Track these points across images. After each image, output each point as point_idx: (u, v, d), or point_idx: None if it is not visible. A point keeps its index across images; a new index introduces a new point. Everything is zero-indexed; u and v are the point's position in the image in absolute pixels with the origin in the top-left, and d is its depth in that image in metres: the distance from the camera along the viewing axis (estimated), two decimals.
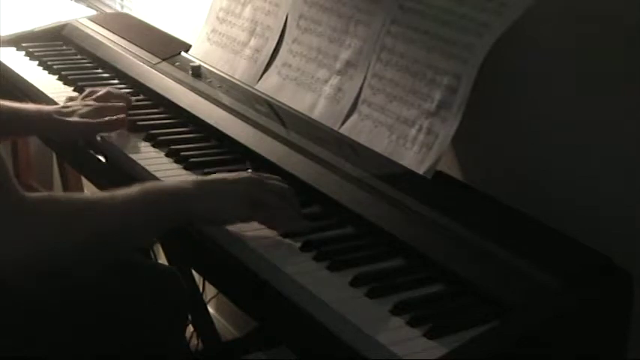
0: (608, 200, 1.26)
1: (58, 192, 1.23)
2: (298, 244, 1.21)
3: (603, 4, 1.25)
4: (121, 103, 1.62)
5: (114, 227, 1.17)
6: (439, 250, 1.17)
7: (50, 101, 1.74)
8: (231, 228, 1.25)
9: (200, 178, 1.27)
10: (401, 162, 1.37)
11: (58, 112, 1.57)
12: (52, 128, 1.57)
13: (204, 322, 2.03)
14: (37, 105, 1.64)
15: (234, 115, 1.58)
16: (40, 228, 1.10)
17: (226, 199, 1.24)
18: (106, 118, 1.55)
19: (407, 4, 1.44)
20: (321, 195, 1.33)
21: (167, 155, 1.50)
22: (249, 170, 1.36)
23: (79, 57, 2.00)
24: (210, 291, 2.12)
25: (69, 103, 1.62)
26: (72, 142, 1.62)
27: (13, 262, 1.09)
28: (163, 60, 1.84)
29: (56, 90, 1.81)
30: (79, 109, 1.57)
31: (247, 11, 1.76)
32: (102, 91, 1.63)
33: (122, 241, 1.21)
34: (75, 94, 1.72)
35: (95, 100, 1.61)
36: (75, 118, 1.55)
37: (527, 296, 1.06)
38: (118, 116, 1.56)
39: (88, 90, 1.65)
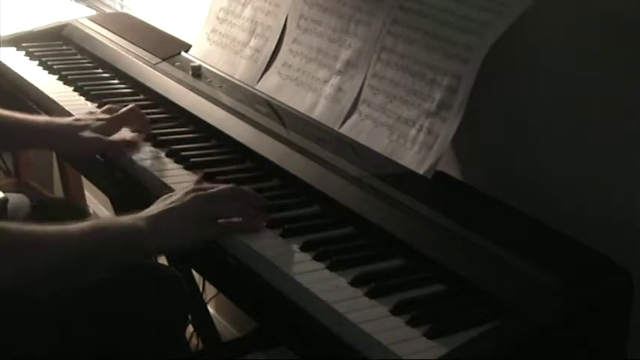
0: (608, 200, 1.26)
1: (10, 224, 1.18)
2: (298, 244, 1.21)
3: (603, 4, 1.25)
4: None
5: (56, 264, 1.14)
6: (439, 250, 1.17)
7: (50, 101, 1.74)
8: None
9: (151, 212, 1.21)
10: (401, 162, 1.37)
11: (70, 126, 1.52)
12: (63, 142, 1.53)
13: (204, 322, 2.03)
14: (47, 117, 1.60)
15: (234, 115, 1.58)
16: None
17: (179, 229, 1.20)
18: (119, 138, 1.52)
19: (407, 4, 1.44)
20: (321, 195, 1.32)
21: (167, 155, 1.50)
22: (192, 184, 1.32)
23: (79, 57, 2.00)
24: (210, 291, 2.12)
25: (82, 117, 1.57)
26: (84, 156, 1.57)
27: None
28: (163, 60, 1.84)
29: (56, 90, 1.80)
30: (92, 124, 1.52)
31: (247, 11, 1.76)
32: (124, 109, 1.56)
33: (72, 272, 1.17)
34: (93, 106, 1.68)
35: (114, 119, 1.54)
36: (87, 133, 1.50)
37: (527, 296, 1.06)
38: (132, 139, 1.53)
39: (108, 106, 1.60)
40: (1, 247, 1.11)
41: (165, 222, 1.21)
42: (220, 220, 1.24)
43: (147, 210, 1.23)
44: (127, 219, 1.21)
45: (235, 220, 1.24)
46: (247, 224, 1.25)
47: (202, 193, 1.24)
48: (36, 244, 1.14)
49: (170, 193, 1.28)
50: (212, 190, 1.25)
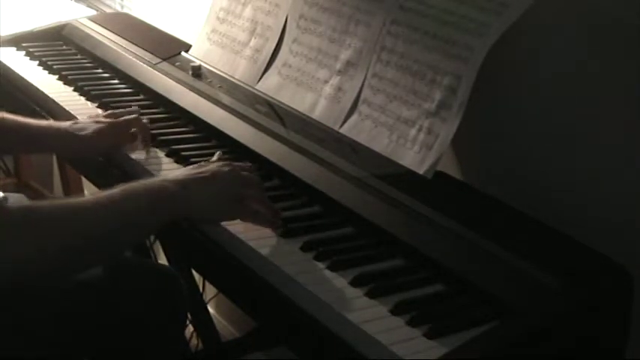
0: (608, 200, 1.26)
1: (40, 201, 1.18)
2: (298, 244, 1.21)
3: (603, 4, 1.25)
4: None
5: (97, 232, 1.14)
6: (439, 250, 1.17)
7: (50, 101, 1.74)
8: (231, 228, 1.25)
9: (181, 175, 1.23)
10: (401, 162, 1.37)
11: (71, 128, 1.52)
12: (64, 144, 1.53)
13: (204, 322, 2.03)
14: (50, 121, 1.60)
15: (234, 115, 1.58)
16: (17, 240, 1.07)
17: (211, 198, 1.23)
18: (119, 138, 1.51)
19: (407, 4, 1.44)
20: (321, 195, 1.33)
21: (167, 155, 1.50)
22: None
23: (79, 57, 2.00)
24: (210, 291, 2.12)
25: (83, 120, 1.57)
26: (86, 158, 1.57)
27: None
28: (163, 60, 1.84)
29: (56, 90, 1.80)
30: (92, 126, 1.52)
31: (247, 11, 1.76)
32: (127, 117, 1.55)
33: (108, 244, 1.17)
34: (99, 110, 1.67)
35: (115, 123, 1.54)
36: (87, 135, 1.50)
37: (527, 296, 1.06)
38: (134, 140, 1.53)
39: (111, 111, 1.59)
40: (38, 221, 1.10)
41: (196, 189, 1.22)
42: (249, 206, 1.25)
43: (176, 174, 1.24)
44: (155, 181, 1.22)
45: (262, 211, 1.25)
46: (269, 221, 1.25)
47: (236, 171, 1.25)
48: (72, 216, 1.13)
49: (201, 163, 1.29)
50: (245, 173, 1.27)
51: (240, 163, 1.32)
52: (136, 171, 1.46)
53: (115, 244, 1.19)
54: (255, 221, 1.25)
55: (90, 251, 1.15)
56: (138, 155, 1.50)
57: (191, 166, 1.29)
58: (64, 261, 1.12)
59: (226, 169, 1.26)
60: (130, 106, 1.64)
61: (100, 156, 1.53)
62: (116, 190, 1.17)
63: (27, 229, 1.08)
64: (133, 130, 1.53)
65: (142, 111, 1.63)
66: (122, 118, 1.55)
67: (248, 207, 1.25)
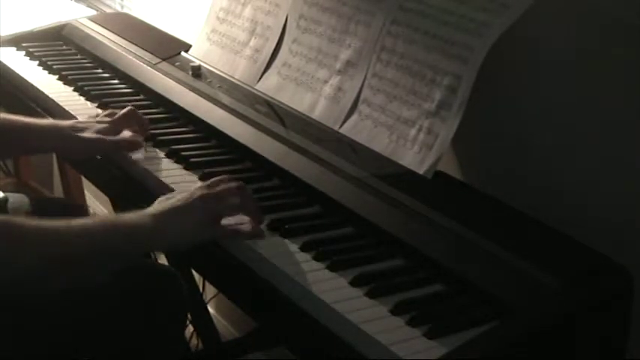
0: (608, 200, 1.26)
1: (17, 218, 1.18)
2: (298, 244, 1.21)
3: (603, 4, 1.25)
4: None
5: (63, 256, 1.13)
6: (439, 250, 1.17)
7: (50, 101, 1.74)
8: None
9: (158, 208, 1.21)
10: (401, 162, 1.37)
11: (72, 128, 1.51)
12: (65, 143, 1.52)
13: (204, 322, 2.03)
14: (49, 120, 1.60)
15: (234, 115, 1.58)
16: None
17: (184, 229, 1.20)
18: (120, 137, 1.51)
19: (407, 4, 1.44)
20: (321, 195, 1.32)
21: (167, 155, 1.50)
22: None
23: (79, 57, 2.00)
24: (210, 291, 2.12)
25: (83, 120, 1.57)
26: (86, 158, 1.57)
27: None
28: (163, 60, 1.84)
29: (56, 90, 1.80)
30: (94, 126, 1.52)
31: (247, 11, 1.76)
32: (122, 112, 1.55)
33: (75, 270, 1.16)
34: (99, 110, 1.67)
35: (115, 121, 1.54)
36: (89, 134, 1.50)
37: (527, 296, 1.06)
38: (132, 138, 1.52)
39: (109, 111, 1.59)
40: (13, 239, 1.10)
41: (171, 221, 1.20)
42: (225, 223, 1.23)
43: (151, 208, 1.22)
44: (133, 217, 1.20)
45: (241, 225, 1.24)
46: (251, 232, 1.24)
47: (206, 193, 1.23)
48: (45, 238, 1.13)
49: (173, 193, 1.28)
50: (216, 190, 1.24)
51: (215, 179, 1.28)
52: (136, 171, 1.46)
53: (86, 269, 1.17)
54: (238, 234, 1.23)
55: (54, 274, 1.14)
56: (138, 155, 1.50)
57: (163, 197, 1.26)
58: (30, 282, 1.12)
59: (198, 193, 1.23)
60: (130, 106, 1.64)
61: (100, 155, 1.53)
62: (93, 219, 1.18)
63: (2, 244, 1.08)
64: (132, 132, 1.53)
65: (141, 111, 1.62)
66: (119, 114, 1.55)
67: (225, 228, 1.23)
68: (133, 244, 1.20)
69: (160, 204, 1.24)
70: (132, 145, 1.51)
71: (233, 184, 1.25)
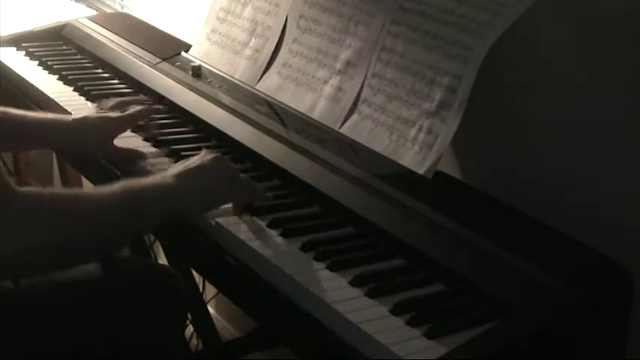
0: (608, 200, 1.26)
1: (40, 189, 1.19)
2: (298, 244, 1.21)
3: (603, 5, 1.25)
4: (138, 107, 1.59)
5: (98, 222, 1.15)
6: (439, 250, 1.17)
7: (50, 101, 1.74)
8: (231, 228, 1.25)
9: (179, 169, 1.26)
10: (401, 162, 1.37)
11: (74, 121, 1.51)
12: (64, 144, 1.53)
13: (204, 322, 2.03)
14: (50, 116, 1.57)
15: (234, 115, 1.58)
16: (29, 222, 1.07)
17: (205, 184, 1.25)
18: (127, 148, 1.51)
19: (407, 4, 1.44)
20: (321, 195, 1.33)
21: (167, 155, 1.50)
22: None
23: (79, 57, 2.00)
24: (210, 291, 2.12)
25: (89, 114, 1.55)
26: (87, 155, 1.56)
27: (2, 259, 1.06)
28: (163, 60, 1.84)
29: (56, 90, 1.80)
30: (98, 122, 1.51)
31: (247, 11, 1.76)
32: (132, 111, 1.56)
33: (108, 236, 1.18)
34: (93, 106, 1.64)
35: (121, 119, 1.54)
36: (93, 134, 1.50)
37: (527, 296, 1.06)
38: (132, 111, 1.54)
39: (118, 100, 1.60)
40: (35, 210, 1.10)
41: (191, 180, 1.24)
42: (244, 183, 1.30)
43: (172, 169, 1.26)
44: (154, 178, 1.24)
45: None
46: (257, 197, 1.30)
47: (218, 155, 1.29)
48: (71, 209, 1.14)
49: (182, 161, 1.32)
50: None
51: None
52: (136, 171, 1.46)
53: (116, 235, 1.19)
54: (253, 198, 1.30)
55: (90, 242, 1.15)
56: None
57: (177, 163, 1.33)
58: (65, 250, 1.12)
59: (209, 156, 1.29)
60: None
61: (105, 160, 1.53)
62: (116, 184, 1.19)
63: (27, 217, 1.08)
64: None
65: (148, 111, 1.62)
66: (128, 113, 1.55)
67: (244, 184, 1.31)
68: (159, 206, 1.22)
69: (176, 167, 1.28)
70: (137, 118, 1.54)
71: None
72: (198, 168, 1.26)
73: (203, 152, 1.31)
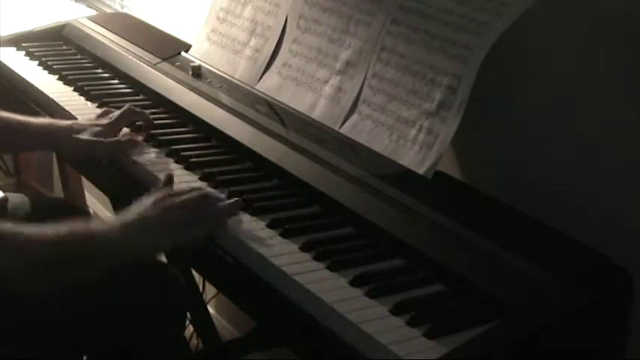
0: (608, 200, 1.26)
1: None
2: (298, 244, 1.21)
3: (603, 4, 1.25)
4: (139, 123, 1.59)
5: (27, 259, 1.15)
6: (439, 250, 1.17)
7: (50, 101, 1.74)
8: (231, 228, 1.25)
9: (125, 219, 1.21)
10: (401, 162, 1.37)
11: (71, 129, 1.52)
12: (62, 143, 1.53)
13: (204, 322, 2.03)
14: (48, 119, 1.60)
15: (234, 115, 1.58)
16: None
17: (153, 242, 1.22)
18: (116, 139, 1.51)
19: (407, 4, 1.44)
20: (321, 195, 1.32)
21: (167, 155, 1.50)
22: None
23: (79, 57, 2.00)
24: (210, 291, 2.12)
25: (82, 121, 1.56)
26: (86, 158, 1.56)
27: None
28: (163, 60, 1.84)
29: (56, 90, 1.80)
30: (92, 128, 1.52)
31: (247, 11, 1.76)
32: (119, 112, 1.56)
33: (40, 274, 1.17)
34: (98, 110, 1.64)
35: (112, 122, 1.54)
36: (86, 136, 1.50)
37: (528, 296, 1.06)
38: (131, 138, 1.53)
39: (104, 109, 1.60)
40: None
41: (135, 236, 1.21)
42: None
43: (121, 216, 1.22)
44: (103, 229, 1.21)
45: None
46: (228, 211, 1.26)
47: (169, 202, 1.23)
48: (13, 245, 1.14)
49: (145, 197, 1.26)
50: (182, 198, 1.24)
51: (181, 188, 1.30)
52: (137, 171, 1.46)
53: (50, 274, 1.18)
54: (218, 224, 1.25)
55: (19, 276, 1.15)
56: (138, 155, 1.50)
57: (125, 210, 1.25)
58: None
59: (159, 204, 1.23)
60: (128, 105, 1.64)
61: (101, 156, 1.53)
62: (65, 227, 1.17)
63: None
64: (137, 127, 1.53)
65: (137, 108, 1.62)
66: (117, 114, 1.55)
67: (189, 233, 1.24)
68: (104, 255, 1.20)
69: (125, 216, 1.23)
70: (130, 145, 1.51)
71: (195, 194, 1.26)
72: (141, 221, 1.21)
73: (145, 197, 1.25)
